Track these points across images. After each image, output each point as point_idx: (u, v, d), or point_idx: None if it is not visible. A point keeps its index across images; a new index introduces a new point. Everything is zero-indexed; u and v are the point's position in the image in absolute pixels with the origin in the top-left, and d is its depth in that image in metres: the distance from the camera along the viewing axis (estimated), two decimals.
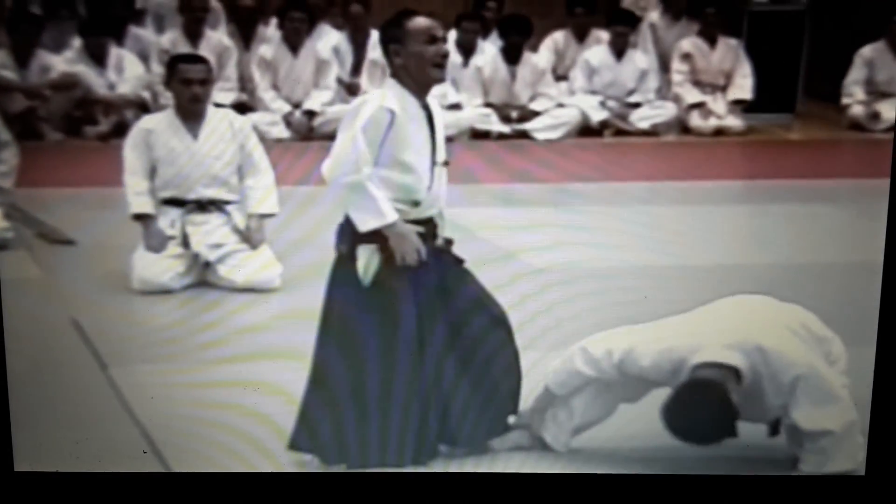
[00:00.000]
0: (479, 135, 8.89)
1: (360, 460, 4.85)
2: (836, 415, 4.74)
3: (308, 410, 4.86)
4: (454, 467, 4.94)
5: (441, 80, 4.80)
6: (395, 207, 4.74)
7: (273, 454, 4.99)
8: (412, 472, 4.90)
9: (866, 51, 9.22)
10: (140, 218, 6.52)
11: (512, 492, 4.99)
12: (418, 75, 4.70)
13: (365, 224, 4.71)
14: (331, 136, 8.65)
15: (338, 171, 4.71)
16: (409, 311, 4.84)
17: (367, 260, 4.76)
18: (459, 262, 4.90)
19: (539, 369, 5.09)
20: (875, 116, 9.17)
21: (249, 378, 5.41)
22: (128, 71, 8.49)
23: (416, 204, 4.79)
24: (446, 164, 4.83)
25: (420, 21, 4.69)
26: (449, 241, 4.89)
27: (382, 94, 4.73)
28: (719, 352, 4.70)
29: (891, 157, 4.96)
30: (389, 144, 4.72)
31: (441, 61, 4.72)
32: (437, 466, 4.92)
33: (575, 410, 4.97)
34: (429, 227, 4.85)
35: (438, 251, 4.84)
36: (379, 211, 4.69)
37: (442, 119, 4.88)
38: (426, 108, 4.79)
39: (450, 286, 4.89)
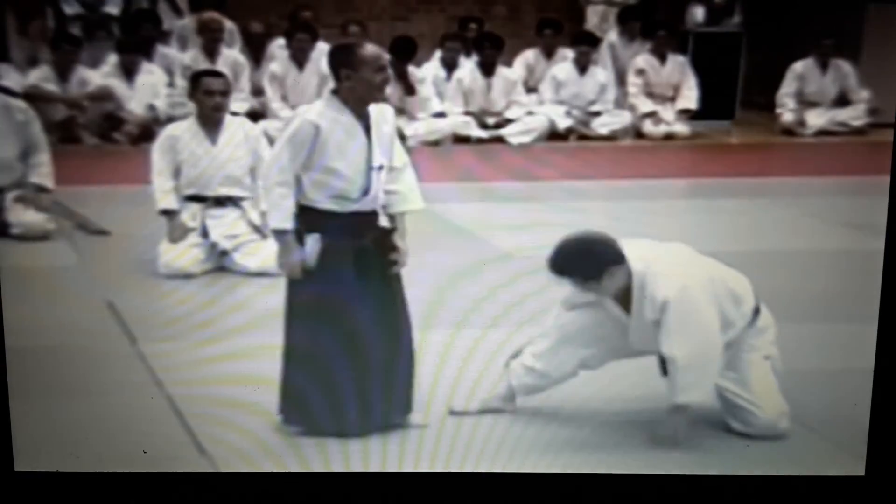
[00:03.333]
0: (460, 139, 8.89)
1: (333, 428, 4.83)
2: (687, 344, 4.58)
3: (286, 385, 4.86)
4: (454, 467, 4.78)
5: (382, 101, 4.82)
6: (331, 205, 4.73)
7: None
8: (412, 472, 4.77)
9: (797, 66, 9.30)
10: (165, 213, 6.60)
11: (512, 492, 4.76)
12: (364, 97, 4.72)
13: (270, 223, 4.81)
14: None
15: (264, 175, 4.81)
16: (347, 292, 4.79)
17: (310, 246, 4.74)
18: (391, 254, 4.82)
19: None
20: (802, 123, 9.27)
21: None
22: (154, 84, 8.54)
23: (353, 202, 4.77)
24: (381, 168, 4.77)
25: (371, 51, 4.71)
26: (386, 233, 4.84)
27: (312, 109, 4.78)
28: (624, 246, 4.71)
29: (890, 156, 4.88)
30: (318, 153, 4.71)
31: (384, 87, 4.75)
32: (438, 467, 4.77)
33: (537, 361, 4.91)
34: (368, 218, 4.82)
35: (374, 243, 4.80)
36: (277, 216, 4.71)
37: (388, 127, 4.82)
38: (364, 118, 4.75)
39: (376, 277, 4.82)
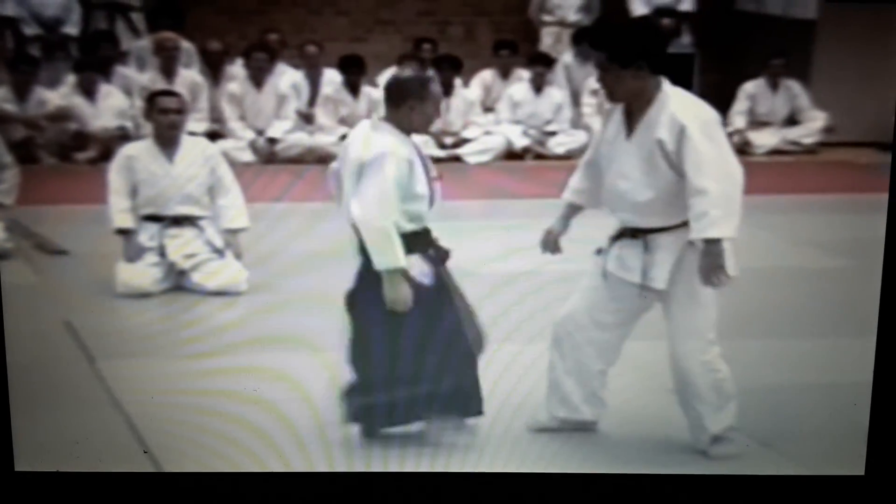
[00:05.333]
0: None
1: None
2: (716, 176, 4.43)
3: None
4: (454, 467, 4.75)
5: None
6: (412, 226, 4.75)
7: (268, 436, 4.85)
8: (412, 472, 4.75)
9: (748, 86, 9.38)
10: (122, 232, 6.54)
11: (512, 492, 4.73)
12: (419, 128, 4.81)
13: (381, 264, 4.65)
14: (290, 160, 8.79)
15: (369, 216, 4.65)
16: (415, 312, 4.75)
17: (418, 268, 4.76)
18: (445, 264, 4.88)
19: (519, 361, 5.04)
20: (748, 143, 9.30)
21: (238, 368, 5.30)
22: (113, 103, 8.51)
23: (425, 217, 4.84)
24: (439, 177, 4.88)
25: (438, 87, 4.86)
26: (446, 251, 4.89)
27: (385, 143, 4.70)
28: None
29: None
30: (412, 183, 4.74)
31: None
32: (438, 466, 4.76)
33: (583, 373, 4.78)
34: (428, 237, 4.85)
35: (438, 257, 4.86)
36: (395, 256, 4.65)
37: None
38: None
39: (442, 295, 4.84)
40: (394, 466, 4.76)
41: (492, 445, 4.83)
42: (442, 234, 4.82)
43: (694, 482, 4.67)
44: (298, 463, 4.77)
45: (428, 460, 4.78)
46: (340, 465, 4.77)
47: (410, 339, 4.78)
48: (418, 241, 4.78)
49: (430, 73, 5.32)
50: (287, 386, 5.14)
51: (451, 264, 4.85)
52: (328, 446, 4.81)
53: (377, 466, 4.76)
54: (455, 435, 4.90)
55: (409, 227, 4.74)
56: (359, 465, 4.77)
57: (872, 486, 4.69)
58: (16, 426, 4.81)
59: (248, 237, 6.67)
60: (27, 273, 6.62)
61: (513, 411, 4.95)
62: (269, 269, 6.49)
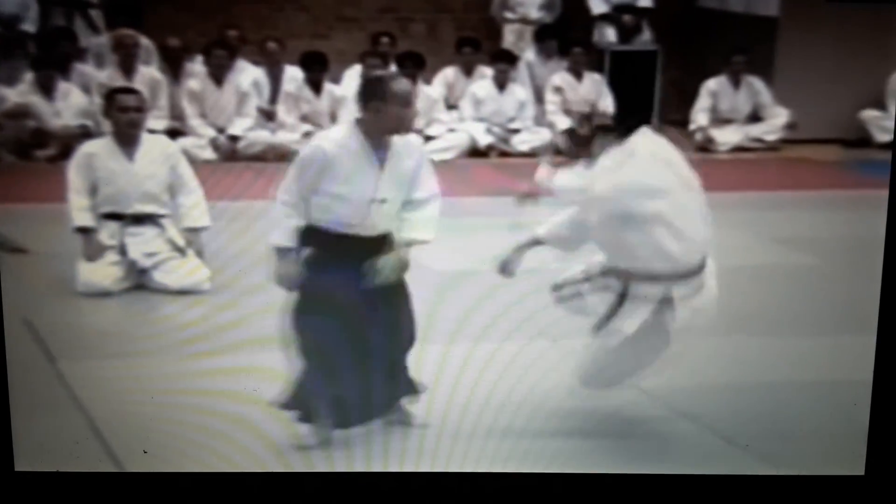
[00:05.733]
0: None
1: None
2: None
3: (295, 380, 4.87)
4: (454, 467, 4.75)
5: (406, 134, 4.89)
6: (336, 227, 4.75)
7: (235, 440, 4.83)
8: (412, 472, 4.75)
9: (710, 83, 9.39)
10: (82, 231, 6.49)
11: (512, 492, 4.73)
12: (389, 130, 4.75)
13: (271, 239, 4.79)
14: (252, 158, 8.75)
15: (277, 192, 4.77)
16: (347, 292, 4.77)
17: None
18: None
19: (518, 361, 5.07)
20: (710, 140, 9.35)
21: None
22: (72, 101, 8.43)
23: (354, 227, 4.78)
24: (384, 201, 4.77)
25: (402, 86, 4.77)
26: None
27: (329, 135, 4.83)
28: None
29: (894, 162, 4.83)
30: (325, 178, 4.73)
31: (412, 122, 4.87)
32: (438, 466, 4.75)
33: None
34: (372, 244, 4.80)
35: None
36: (280, 235, 4.76)
37: (411, 161, 4.83)
38: (382, 149, 4.78)
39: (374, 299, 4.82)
40: (394, 466, 4.77)
41: (492, 445, 4.83)
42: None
43: (694, 482, 4.68)
44: (299, 463, 4.78)
45: (428, 460, 4.79)
46: (340, 466, 4.79)
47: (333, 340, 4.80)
48: (344, 244, 4.77)
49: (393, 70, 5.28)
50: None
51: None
52: (328, 447, 4.81)
53: (377, 466, 4.78)
54: (406, 429, 4.94)
55: (326, 223, 4.76)
56: (359, 465, 4.78)
57: (872, 486, 4.69)
58: (16, 426, 4.79)
59: (210, 235, 6.62)
60: None
61: (513, 411, 4.97)
62: (233, 267, 6.40)
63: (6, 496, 4.78)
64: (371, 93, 4.72)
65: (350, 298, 4.78)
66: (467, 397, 5.02)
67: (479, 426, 4.90)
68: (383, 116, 4.71)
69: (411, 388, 4.99)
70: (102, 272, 6.43)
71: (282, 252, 4.80)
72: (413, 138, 4.97)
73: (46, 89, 8.40)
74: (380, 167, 4.78)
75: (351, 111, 8.79)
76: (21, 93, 8.40)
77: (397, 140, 4.80)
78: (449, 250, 6.76)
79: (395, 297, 4.89)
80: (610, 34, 9.71)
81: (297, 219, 4.79)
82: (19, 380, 4.87)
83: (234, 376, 5.09)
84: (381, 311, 4.83)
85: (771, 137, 9.34)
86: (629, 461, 4.73)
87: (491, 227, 7.40)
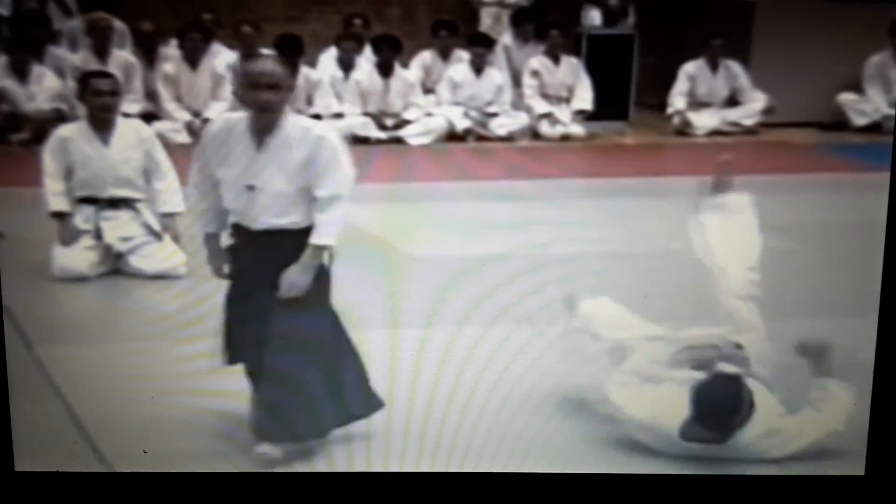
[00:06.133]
0: (359, 140, 8.87)
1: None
2: None
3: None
4: (454, 467, 4.71)
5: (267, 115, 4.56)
6: (233, 217, 4.61)
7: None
8: (412, 472, 4.72)
9: (688, 67, 9.40)
10: (57, 215, 6.49)
11: (512, 492, 4.69)
12: (252, 111, 4.54)
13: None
14: None
15: None
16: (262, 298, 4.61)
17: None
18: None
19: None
20: (688, 124, 9.37)
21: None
22: (46, 85, 8.37)
23: (242, 217, 4.61)
24: (253, 188, 4.52)
25: (254, 67, 4.56)
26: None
27: (221, 116, 4.76)
28: None
29: None
30: (214, 159, 4.59)
31: (267, 105, 4.50)
32: (438, 466, 4.71)
33: None
34: (270, 241, 4.58)
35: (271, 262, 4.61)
36: (199, 220, 4.67)
37: (299, 153, 4.52)
38: (263, 133, 4.53)
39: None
40: (394, 466, 4.76)
41: (491, 445, 4.81)
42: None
43: (694, 482, 4.66)
44: (299, 463, 4.75)
45: (428, 460, 4.77)
46: (341, 465, 4.77)
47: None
48: (247, 238, 4.61)
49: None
50: None
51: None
52: (328, 446, 4.79)
53: (377, 466, 4.77)
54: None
55: (230, 212, 4.63)
56: (359, 465, 4.77)
57: (872, 486, 4.68)
58: (16, 426, 4.79)
59: (186, 220, 6.58)
60: None
61: (513, 411, 4.94)
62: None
63: (6, 496, 4.78)
64: (235, 71, 4.62)
65: (265, 301, 4.60)
66: (467, 396, 4.97)
67: (479, 428, 4.86)
68: (243, 98, 4.58)
69: (362, 406, 4.82)
70: (78, 256, 6.44)
71: (205, 237, 4.70)
72: (315, 128, 4.62)
73: (20, 73, 8.36)
74: (257, 151, 4.56)
75: (325, 94, 8.84)
76: None
77: (291, 127, 4.56)
78: (429, 234, 6.84)
79: (312, 305, 4.64)
80: (595, 17, 9.71)
81: (206, 202, 4.66)
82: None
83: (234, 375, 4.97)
84: (299, 318, 4.61)
85: (749, 121, 9.37)
86: (627, 461, 4.70)
87: (468, 210, 7.46)
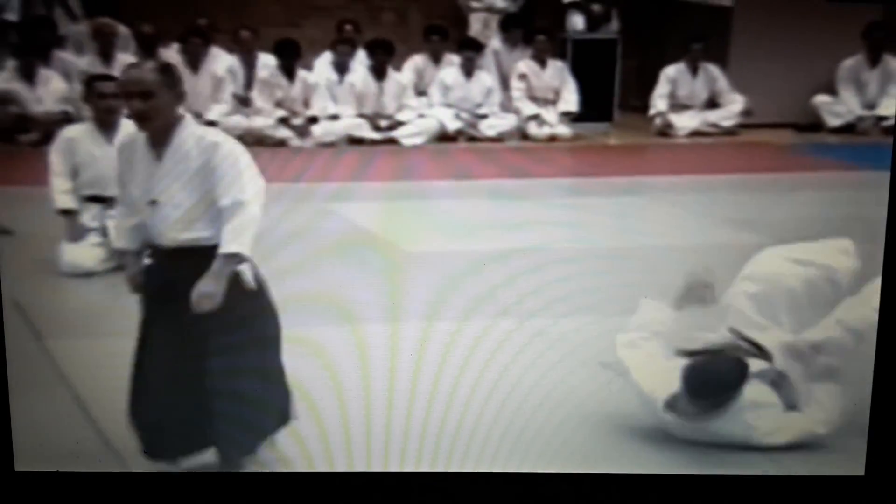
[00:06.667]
0: (354, 141, 8.96)
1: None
2: None
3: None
4: (454, 467, 4.61)
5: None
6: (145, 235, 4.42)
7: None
8: (412, 472, 4.62)
9: (670, 70, 9.44)
10: (65, 213, 6.59)
11: (512, 492, 4.60)
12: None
13: None
14: None
15: None
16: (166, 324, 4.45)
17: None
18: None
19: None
20: (669, 125, 9.41)
21: None
22: (53, 88, 8.43)
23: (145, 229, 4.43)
24: (154, 202, 4.33)
25: (115, 79, 4.60)
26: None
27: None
28: None
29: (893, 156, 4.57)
30: (120, 175, 4.46)
31: (137, 115, 4.30)
32: (439, 466, 4.61)
33: None
34: (171, 256, 4.39)
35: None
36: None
37: (193, 163, 4.32)
38: (158, 146, 4.35)
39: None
40: (394, 466, 4.67)
41: (491, 445, 4.74)
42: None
43: (694, 482, 4.59)
44: (299, 463, 4.67)
45: (428, 460, 4.69)
46: (341, 465, 4.68)
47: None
48: (154, 254, 4.45)
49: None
50: None
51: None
52: (328, 446, 4.72)
53: (377, 466, 4.68)
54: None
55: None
56: (359, 465, 4.69)
57: (872, 486, 4.61)
58: (16, 426, 4.72)
59: None
60: None
61: (513, 411, 4.88)
62: None
63: (6, 496, 4.70)
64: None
65: (178, 320, 4.39)
66: (468, 396, 4.89)
67: (479, 428, 4.79)
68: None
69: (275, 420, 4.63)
70: (85, 253, 6.53)
71: (124, 253, 4.54)
72: (209, 136, 4.40)
73: (28, 76, 8.41)
74: (155, 164, 4.38)
75: (322, 96, 8.90)
76: (3, 80, 8.39)
77: (187, 136, 4.36)
78: (421, 231, 6.80)
79: (231, 324, 4.42)
80: (579, 22, 9.76)
81: (131, 219, 4.47)
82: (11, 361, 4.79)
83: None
84: (215, 338, 4.42)
85: (727, 123, 9.42)
86: (626, 461, 4.64)
87: (462, 208, 7.49)
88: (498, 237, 6.79)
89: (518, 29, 9.61)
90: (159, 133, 4.34)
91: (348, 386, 4.93)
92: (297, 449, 4.67)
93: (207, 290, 4.31)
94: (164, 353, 4.48)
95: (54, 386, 5.15)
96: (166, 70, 4.41)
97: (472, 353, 5.12)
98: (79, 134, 6.63)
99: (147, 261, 4.51)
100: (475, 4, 9.86)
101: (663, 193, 8.03)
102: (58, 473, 4.69)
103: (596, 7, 9.54)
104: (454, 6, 9.85)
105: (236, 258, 4.34)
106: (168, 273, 4.44)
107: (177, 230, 4.38)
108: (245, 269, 4.40)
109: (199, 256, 4.36)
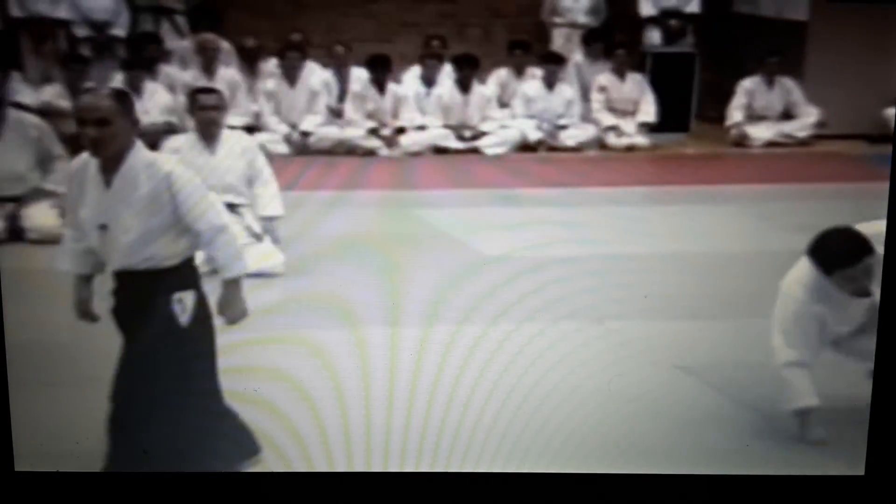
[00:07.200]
0: (439, 150, 9.07)
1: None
2: None
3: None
4: (454, 467, 4.60)
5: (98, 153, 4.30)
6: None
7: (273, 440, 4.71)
8: (412, 472, 4.61)
9: (746, 82, 9.39)
10: None
11: (512, 492, 4.59)
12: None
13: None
14: (322, 152, 8.89)
15: None
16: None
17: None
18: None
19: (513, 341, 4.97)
20: (745, 136, 9.36)
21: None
22: (158, 100, 8.58)
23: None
24: (105, 227, 4.35)
25: (78, 102, 4.41)
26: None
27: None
28: None
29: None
30: (71, 199, 4.44)
31: (92, 142, 4.31)
32: (439, 466, 4.60)
33: None
34: (123, 280, 4.38)
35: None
36: (59, 256, 4.44)
37: (143, 190, 4.34)
38: (109, 170, 4.35)
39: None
40: (394, 466, 4.68)
41: (491, 445, 4.74)
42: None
43: (694, 482, 4.60)
44: (298, 463, 4.70)
45: (428, 460, 4.70)
46: (340, 465, 4.69)
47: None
48: (113, 278, 4.45)
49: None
50: (287, 386, 5.02)
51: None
52: (328, 446, 4.75)
53: (377, 466, 4.68)
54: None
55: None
56: (359, 465, 4.69)
57: (872, 486, 4.61)
58: (16, 426, 4.73)
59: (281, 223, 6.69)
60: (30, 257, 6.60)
61: (513, 411, 4.88)
62: (301, 250, 6.55)
63: (6, 496, 4.67)
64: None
65: (141, 345, 4.44)
66: (467, 396, 4.89)
67: (479, 428, 4.80)
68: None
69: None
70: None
71: (74, 277, 4.52)
72: (161, 164, 4.43)
73: (135, 89, 8.45)
74: (105, 189, 4.40)
75: (410, 108, 9.01)
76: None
77: (137, 162, 4.37)
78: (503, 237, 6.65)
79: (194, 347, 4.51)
80: (656, 37, 9.78)
81: (78, 244, 4.45)
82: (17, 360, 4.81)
83: (233, 376, 4.88)
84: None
85: (802, 134, 9.37)
86: (626, 461, 4.66)
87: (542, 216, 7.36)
88: (577, 240, 6.74)
89: (599, 43, 9.64)
90: (110, 160, 4.39)
91: (348, 386, 4.94)
92: (297, 449, 4.71)
93: (234, 315, 4.51)
94: (125, 370, 4.55)
95: (54, 386, 5.05)
96: (122, 97, 4.45)
97: (471, 354, 5.11)
98: (182, 144, 6.79)
99: (110, 285, 4.54)
100: (558, 20, 9.89)
101: (737, 201, 8.08)
102: (58, 473, 4.69)
103: (673, 22, 9.55)
104: (538, 22, 9.89)
105: (239, 279, 4.50)
106: (120, 295, 4.48)
107: (126, 254, 4.42)
108: (188, 298, 4.46)
109: (149, 279, 4.41)
